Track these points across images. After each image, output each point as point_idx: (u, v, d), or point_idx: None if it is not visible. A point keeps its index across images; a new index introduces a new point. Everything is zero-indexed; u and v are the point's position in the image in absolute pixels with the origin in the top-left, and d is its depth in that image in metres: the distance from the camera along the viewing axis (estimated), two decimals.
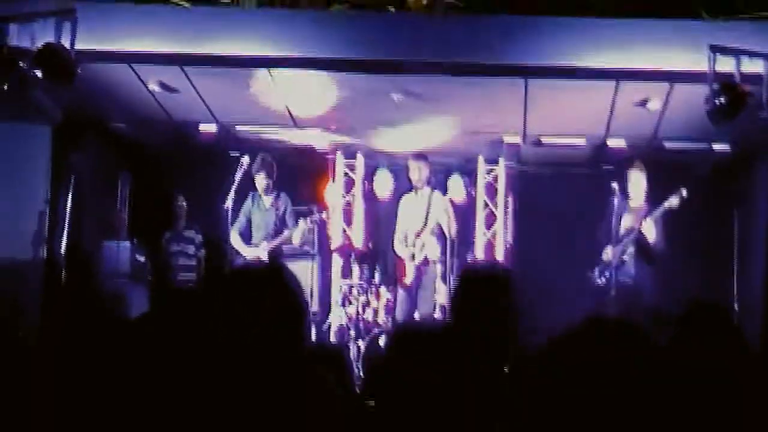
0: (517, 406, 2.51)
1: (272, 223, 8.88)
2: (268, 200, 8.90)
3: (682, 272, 9.57)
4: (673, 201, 8.09)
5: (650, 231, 8.11)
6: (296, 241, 8.92)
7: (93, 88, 8.06)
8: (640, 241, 8.18)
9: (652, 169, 8.40)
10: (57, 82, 7.12)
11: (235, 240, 8.85)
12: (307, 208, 9.26)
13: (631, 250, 8.21)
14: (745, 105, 6.78)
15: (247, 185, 8.81)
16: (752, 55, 6.72)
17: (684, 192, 8.07)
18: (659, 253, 8.23)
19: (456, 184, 10.10)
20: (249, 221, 8.91)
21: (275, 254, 8.87)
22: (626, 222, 8.26)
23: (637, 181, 8.28)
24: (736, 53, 6.73)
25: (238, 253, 8.84)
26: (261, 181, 8.79)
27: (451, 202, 9.06)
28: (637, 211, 8.28)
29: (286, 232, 8.83)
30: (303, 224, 8.79)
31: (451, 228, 8.78)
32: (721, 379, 2.56)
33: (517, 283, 3.49)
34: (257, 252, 8.79)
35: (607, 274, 8.17)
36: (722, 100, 6.76)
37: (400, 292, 8.90)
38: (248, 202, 8.89)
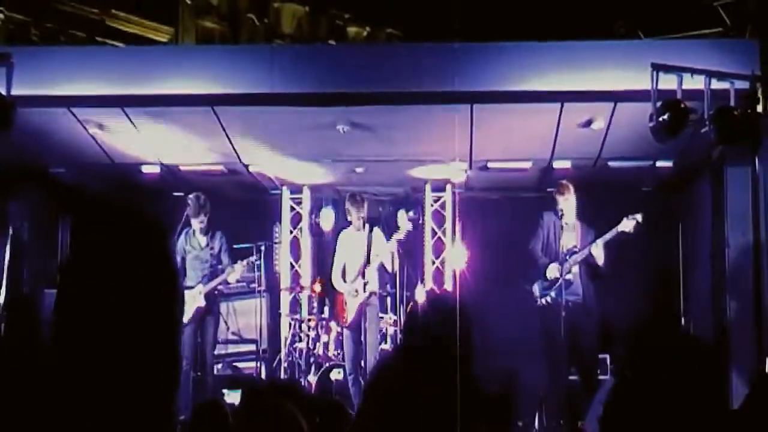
0: None
1: (208, 262, 8.71)
2: (203, 239, 8.74)
3: (631, 287, 9.66)
4: (627, 225, 8.10)
5: (600, 253, 8.14)
6: (232, 280, 8.81)
7: (30, 134, 7.86)
8: (589, 262, 8.18)
9: (597, 188, 8.46)
10: None
11: None
12: (250, 246, 9.15)
13: (576, 269, 8.21)
14: (687, 121, 6.88)
15: (185, 224, 8.68)
16: (693, 71, 6.83)
17: (639, 218, 8.10)
18: (606, 275, 8.26)
19: (403, 214, 10.06)
20: (183, 260, 8.71)
21: (212, 296, 8.70)
22: (565, 241, 8.27)
23: (567, 200, 8.28)
24: (678, 71, 6.84)
25: None
26: (198, 221, 8.63)
27: (398, 242, 8.93)
28: (573, 230, 8.30)
29: (222, 274, 8.67)
30: (240, 265, 8.67)
31: (394, 265, 8.77)
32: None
33: (470, 310, 3.46)
34: (193, 294, 8.58)
35: (552, 293, 8.14)
36: (665, 117, 6.85)
37: (345, 330, 8.80)
38: (181, 240, 8.72)
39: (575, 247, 8.22)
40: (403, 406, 2.85)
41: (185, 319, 8.57)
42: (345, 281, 8.85)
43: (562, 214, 8.25)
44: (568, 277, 8.15)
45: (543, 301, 8.19)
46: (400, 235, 8.71)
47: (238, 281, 10.03)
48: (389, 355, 5.63)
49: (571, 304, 8.07)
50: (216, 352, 9.32)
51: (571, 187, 8.24)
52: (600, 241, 8.13)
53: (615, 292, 8.92)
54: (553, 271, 8.17)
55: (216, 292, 8.90)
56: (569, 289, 8.14)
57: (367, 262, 8.71)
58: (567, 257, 8.16)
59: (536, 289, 8.28)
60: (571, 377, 8.25)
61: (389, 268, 8.84)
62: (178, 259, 8.68)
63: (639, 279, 9.93)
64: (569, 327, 7.97)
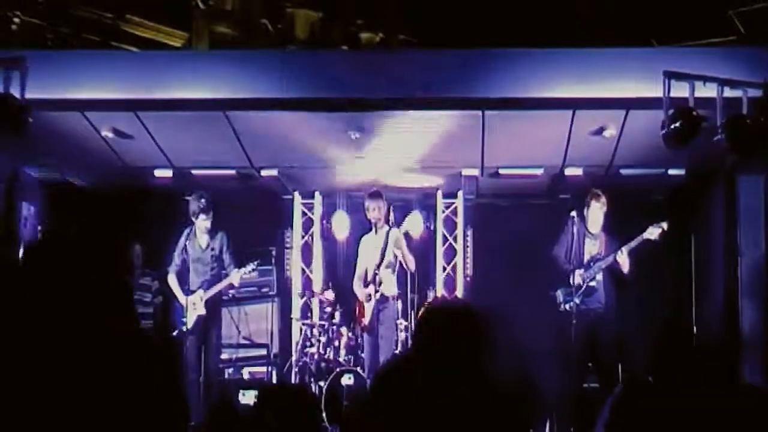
0: None
1: (209, 265, 8.54)
2: (204, 240, 8.58)
3: (643, 296, 9.62)
4: (652, 232, 8.04)
5: (625, 261, 8.08)
6: (236, 283, 8.62)
7: (44, 137, 7.90)
8: (613, 269, 8.15)
9: (609, 196, 8.42)
10: (8, 133, 6.97)
11: (172, 283, 8.61)
12: (263, 249, 9.13)
13: (599, 276, 8.18)
14: (700, 129, 6.86)
15: (188, 224, 8.61)
16: (705, 79, 6.82)
17: (665, 225, 8.04)
18: (631, 282, 8.22)
19: (415, 219, 10.01)
20: (184, 262, 8.60)
21: (213, 302, 8.55)
22: (589, 248, 8.24)
23: (595, 208, 8.26)
24: (690, 78, 6.82)
25: (175, 297, 8.60)
26: (203, 221, 8.47)
27: (407, 235, 8.89)
28: (597, 238, 8.27)
29: (225, 279, 8.51)
30: (237, 273, 8.48)
31: (407, 261, 8.68)
32: None
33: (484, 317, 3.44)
34: (194, 300, 8.45)
35: (576, 299, 8.09)
36: (677, 125, 6.83)
37: (364, 334, 8.78)
38: (182, 241, 8.58)
39: (599, 254, 8.19)
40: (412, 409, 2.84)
41: (186, 328, 8.48)
42: (364, 284, 8.80)
43: (588, 222, 8.20)
44: (592, 284, 8.13)
45: (566, 307, 8.12)
46: (409, 227, 8.70)
47: (249, 285, 10.05)
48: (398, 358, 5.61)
49: (593, 311, 8.06)
50: (227, 356, 9.29)
51: (604, 197, 8.20)
52: (625, 249, 8.07)
53: (629, 301, 8.87)
54: (577, 277, 8.12)
55: (223, 297, 8.82)
56: (593, 296, 8.12)
57: (381, 260, 8.64)
58: (591, 264, 8.15)
59: (559, 295, 8.22)
60: (587, 384, 8.21)
61: (405, 266, 8.75)
62: (180, 261, 8.63)
63: (652, 287, 9.88)
64: (591, 334, 7.96)
